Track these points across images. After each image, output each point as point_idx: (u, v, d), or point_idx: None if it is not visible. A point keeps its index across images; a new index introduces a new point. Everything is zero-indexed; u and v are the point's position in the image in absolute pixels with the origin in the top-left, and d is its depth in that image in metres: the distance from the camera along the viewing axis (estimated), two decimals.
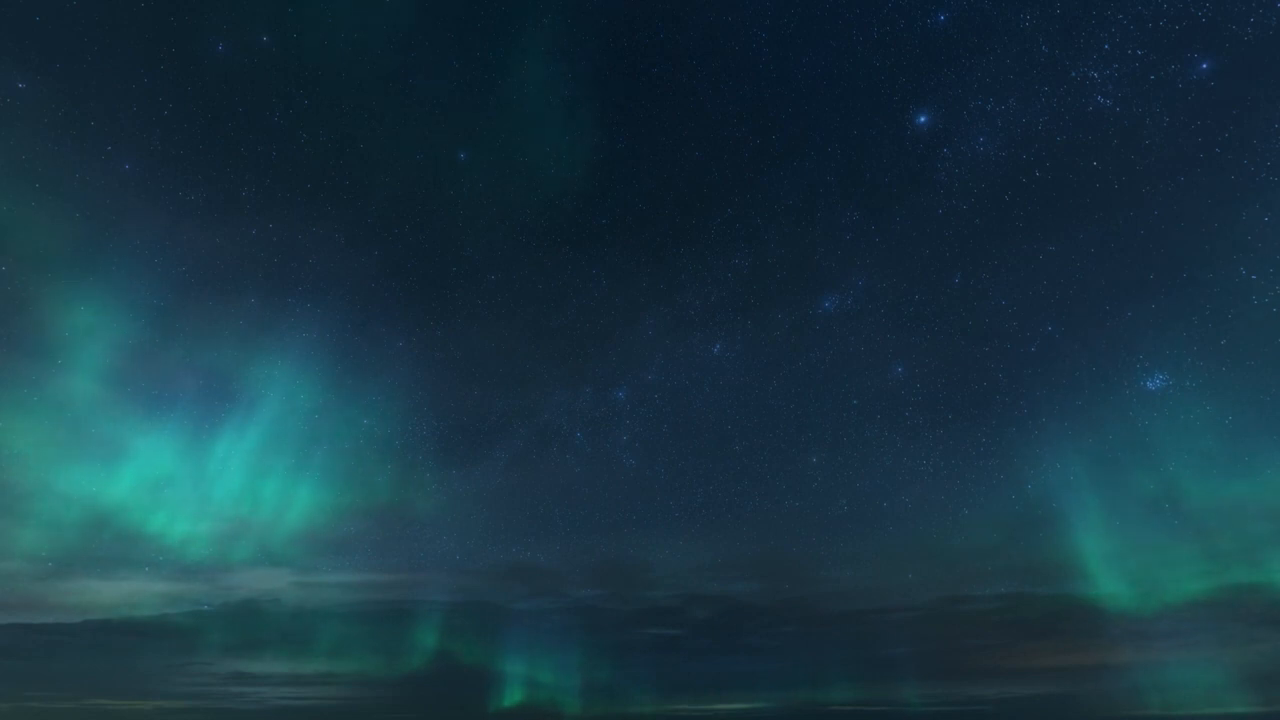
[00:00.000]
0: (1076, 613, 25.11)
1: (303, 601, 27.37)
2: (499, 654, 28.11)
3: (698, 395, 27.37)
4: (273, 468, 26.39)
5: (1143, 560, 24.35)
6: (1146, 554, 24.30)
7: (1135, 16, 20.19)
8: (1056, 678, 25.75)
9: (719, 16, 23.25)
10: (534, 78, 24.31)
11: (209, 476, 25.77)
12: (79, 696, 25.47)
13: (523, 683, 27.55)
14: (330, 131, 23.94)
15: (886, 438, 25.99)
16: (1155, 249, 21.68)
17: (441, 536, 27.94)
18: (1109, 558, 24.58)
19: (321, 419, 26.32)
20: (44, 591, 25.41)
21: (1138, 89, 20.60)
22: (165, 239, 23.48)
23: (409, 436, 27.24)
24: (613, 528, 27.66)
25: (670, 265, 26.42)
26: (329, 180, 24.29)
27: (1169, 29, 20.01)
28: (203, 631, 27.07)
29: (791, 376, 26.48)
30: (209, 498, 25.99)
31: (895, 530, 26.25)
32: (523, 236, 26.22)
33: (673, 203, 25.78)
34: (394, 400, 26.90)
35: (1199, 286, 21.43)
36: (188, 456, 25.50)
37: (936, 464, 25.63)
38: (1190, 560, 23.76)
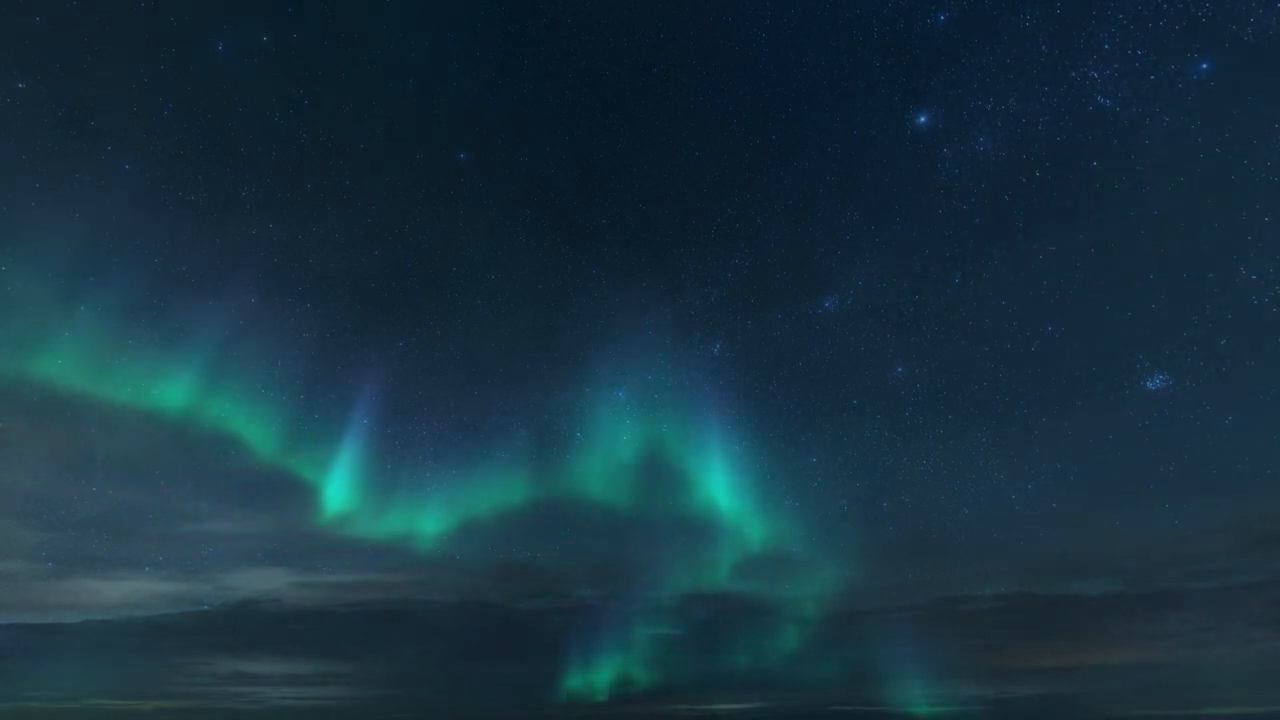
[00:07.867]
0: (1076, 613, 25.16)
1: (303, 601, 27.41)
2: (499, 654, 28.12)
3: (698, 395, 27.39)
4: (272, 468, 26.48)
5: (1143, 560, 24.41)
6: (1147, 554, 24.36)
7: (1135, 16, 20.24)
8: (1056, 678, 25.75)
9: (719, 17, 23.29)
10: (534, 78, 24.36)
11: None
12: (79, 696, 25.41)
13: (522, 683, 27.55)
14: (330, 131, 24.00)
15: (886, 438, 26.06)
16: (1155, 249, 21.71)
17: (441, 536, 27.99)
18: (1109, 558, 24.64)
19: (321, 419, 26.38)
20: (44, 591, 25.44)
21: (1138, 89, 20.65)
22: (165, 239, 23.54)
23: (409, 436, 27.28)
24: (613, 528, 27.69)
25: (670, 265, 26.53)
26: (329, 180, 24.35)
27: (1169, 29, 20.05)
28: (203, 631, 27.08)
29: (791, 376, 26.52)
30: (208, 499, 26.05)
31: (895, 530, 26.30)
32: (523, 236, 26.29)
33: (673, 203, 25.85)
34: (394, 399, 26.96)
35: (1199, 286, 21.48)
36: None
37: (936, 464, 25.67)
38: (1190, 560, 23.81)
